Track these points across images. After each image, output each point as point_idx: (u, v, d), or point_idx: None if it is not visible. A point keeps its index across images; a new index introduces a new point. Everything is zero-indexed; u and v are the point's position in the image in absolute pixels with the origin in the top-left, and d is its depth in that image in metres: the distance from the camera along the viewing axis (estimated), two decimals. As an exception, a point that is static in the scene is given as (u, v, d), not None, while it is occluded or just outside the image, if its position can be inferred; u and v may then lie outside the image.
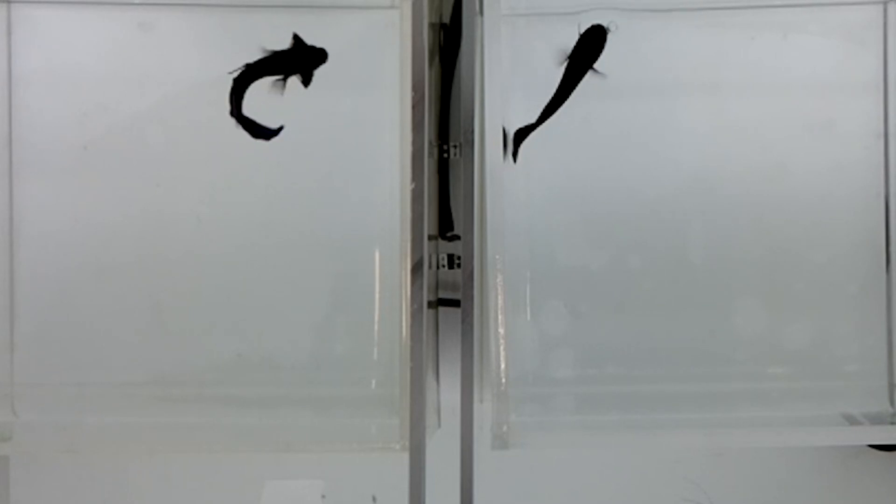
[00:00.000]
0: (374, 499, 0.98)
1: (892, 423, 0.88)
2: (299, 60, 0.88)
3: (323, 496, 0.92)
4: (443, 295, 0.92)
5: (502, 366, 0.83)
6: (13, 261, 0.89)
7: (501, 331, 0.83)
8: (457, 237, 0.91)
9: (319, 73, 0.89)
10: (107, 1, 0.89)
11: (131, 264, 0.89)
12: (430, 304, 0.84)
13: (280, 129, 0.88)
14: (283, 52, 0.88)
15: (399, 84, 0.84)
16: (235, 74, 0.87)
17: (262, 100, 0.89)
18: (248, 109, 0.89)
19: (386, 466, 0.82)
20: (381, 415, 0.88)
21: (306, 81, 0.88)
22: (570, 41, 0.89)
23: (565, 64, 0.88)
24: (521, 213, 0.88)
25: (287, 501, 0.92)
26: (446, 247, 0.92)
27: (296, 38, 0.88)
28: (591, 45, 0.87)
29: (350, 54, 0.89)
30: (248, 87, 0.88)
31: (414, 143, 0.79)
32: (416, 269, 0.80)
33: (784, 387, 0.89)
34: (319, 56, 0.88)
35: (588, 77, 0.89)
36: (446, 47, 0.92)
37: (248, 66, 0.88)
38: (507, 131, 0.86)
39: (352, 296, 0.90)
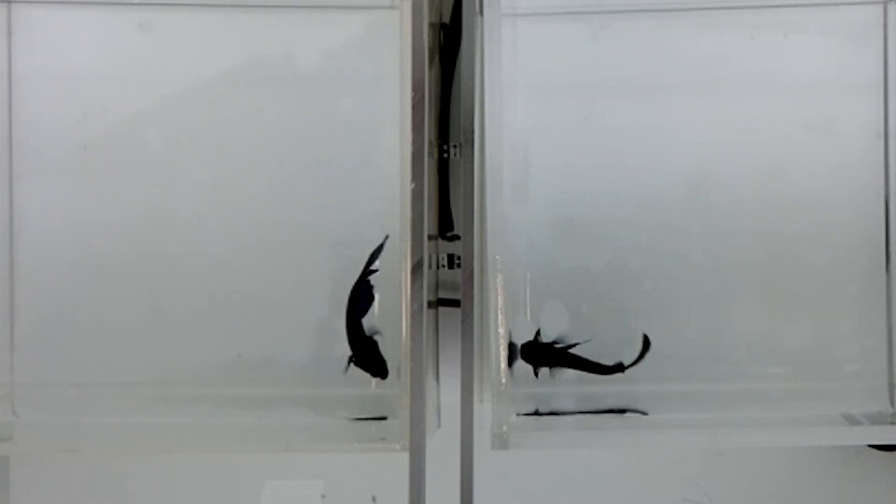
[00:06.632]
0: (374, 499, 0.98)
1: (892, 423, 0.88)
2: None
3: (323, 496, 0.92)
4: (443, 295, 0.92)
5: (502, 366, 0.82)
6: (13, 261, 0.89)
7: (501, 331, 0.83)
8: (457, 237, 0.91)
9: (320, 73, 0.89)
10: (107, 1, 0.89)
11: (131, 264, 0.89)
12: (430, 304, 0.84)
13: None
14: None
15: (399, 84, 0.84)
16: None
17: (261, 99, 0.89)
18: (247, 108, 0.89)
19: (386, 466, 0.82)
20: (381, 415, 0.88)
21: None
22: (570, 41, 0.89)
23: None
24: (521, 213, 0.88)
25: (287, 501, 0.92)
26: (446, 247, 0.92)
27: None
28: None
29: (350, 54, 0.89)
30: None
31: (414, 143, 0.79)
32: (416, 269, 0.80)
33: (784, 387, 0.89)
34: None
35: (587, 77, 0.89)
36: (446, 47, 0.92)
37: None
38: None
39: (352, 296, 0.90)
